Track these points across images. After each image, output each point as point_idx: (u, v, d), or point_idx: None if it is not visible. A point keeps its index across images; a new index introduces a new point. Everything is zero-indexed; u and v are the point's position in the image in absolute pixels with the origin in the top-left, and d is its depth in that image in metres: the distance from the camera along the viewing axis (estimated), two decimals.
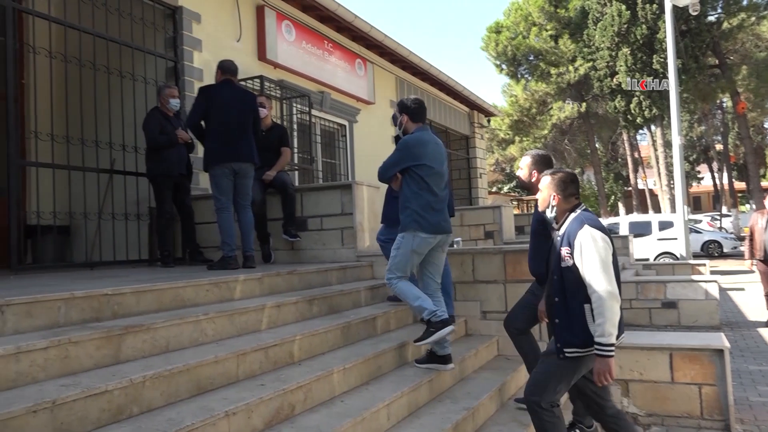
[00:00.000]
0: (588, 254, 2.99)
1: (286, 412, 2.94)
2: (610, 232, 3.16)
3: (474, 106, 15.42)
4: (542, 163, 3.85)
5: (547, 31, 28.02)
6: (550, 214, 3.28)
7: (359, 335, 4.20)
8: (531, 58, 29.08)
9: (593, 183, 38.07)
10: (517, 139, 31.53)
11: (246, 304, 3.81)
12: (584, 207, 3.25)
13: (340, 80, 9.66)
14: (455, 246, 6.25)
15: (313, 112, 8.84)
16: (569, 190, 3.23)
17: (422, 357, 4.02)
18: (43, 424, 2.17)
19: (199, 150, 6.10)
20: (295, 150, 8.19)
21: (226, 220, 5.12)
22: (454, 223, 8.41)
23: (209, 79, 6.91)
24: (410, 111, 4.12)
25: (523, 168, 3.95)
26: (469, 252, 5.37)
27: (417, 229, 3.85)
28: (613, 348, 2.95)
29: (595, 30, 25.43)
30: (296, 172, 8.36)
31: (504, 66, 29.61)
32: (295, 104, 8.52)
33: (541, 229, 3.80)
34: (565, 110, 29.76)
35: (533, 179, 3.83)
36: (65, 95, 5.57)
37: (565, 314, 3.12)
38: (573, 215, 3.18)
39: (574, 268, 3.06)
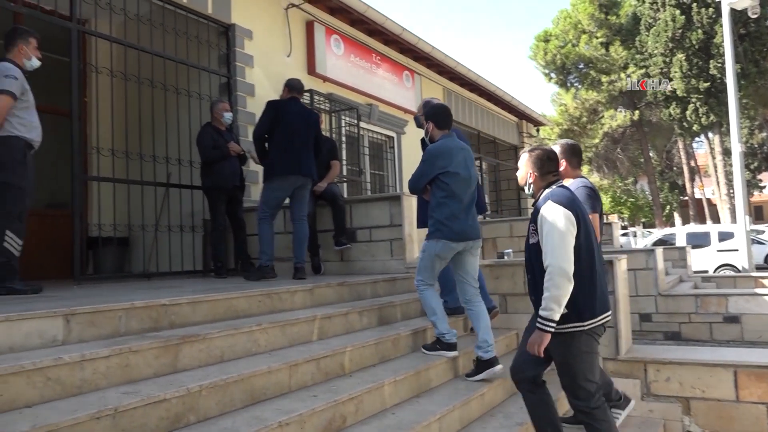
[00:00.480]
0: (546, 228, 2.95)
1: (338, 424, 2.95)
2: (579, 210, 3.04)
3: (522, 115, 15.26)
4: (571, 153, 3.90)
5: (597, 38, 27.54)
6: (527, 191, 3.27)
7: (409, 347, 4.18)
8: (581, 66, 28.59)
9: (647, 193, 37.01)
10: None
11: (297, 315, 3.85)
12: (560, 183, 3.19)
13: (387, 92, 9.73)
14: (506, 257, 6.17)
15: (362, 124, 8.92)
16: (546, 167, 3.19)
17: (471, 371, 3.99)
18: (106, 431, 2.24)
19: (251, 163, 6.24)
20: (344, 162, 8.27)
21: (266, 231, 5.25)
22: (504, 233, 8.36)
23: (261, 93, 7.08)
24: (436, 119, 4.18)
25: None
26: (520, 263, 5.27)
27: (440, 237, 3.92)
28: (552, 324, 2.91)
29: (647, 36, 24.83)
30: (345, 184, 8.44)
31: (553, 75, 29.22)
32: (343, 117, 8.62)
33: None
34: (617, 118, 29.07)
35: (561, 169, 3.81)
36: (125, 112, 5.79)
37: (535, 292, 3.09)
38: (546, 191, 3.13)
39: (539, 245, 3.02)
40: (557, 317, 2.91)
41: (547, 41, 28.76)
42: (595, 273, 3.02)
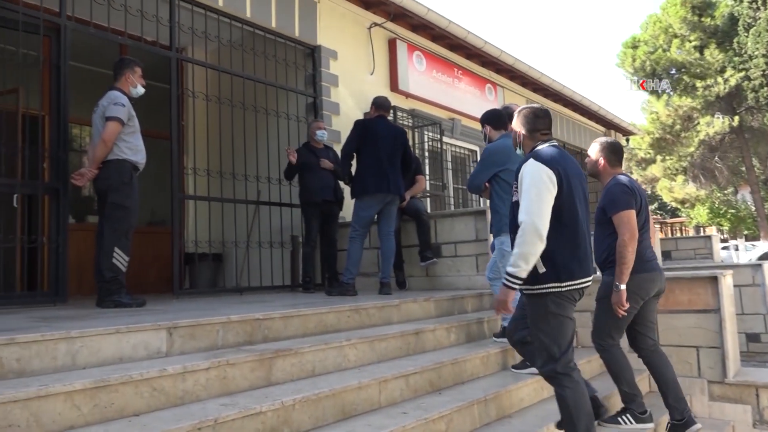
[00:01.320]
0: (525, 186, 2.88)
1: None
2: (563, 169, 2.91)
3: (610, 125, 14.72)
4: (611, 151, 3.84)
5: (690, 42, 26.19)
6: (518, 150, 3.21)
7: (499, 365, 4.10)
8: (672, 71, 27.25)
9: (749, 203, 34.59)
10: (659, 158, 29.55)
11: (385, 330, 3.86)
12: (551, 143, 3.06)
13: (470, 106, 9.67)
14: (598, 273, 5.93)
15: (444, 138, 8.91)
16: (533, 125, 3.11)
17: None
18: None
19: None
20: (427, 177, 8.27)
21: (357, 250, 5.33)
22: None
23: (345, 112, 7.22)
24: (491, 121, 4.30)
25: (592, 155, 3.92)
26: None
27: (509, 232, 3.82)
28: (518, 282, 2.84)
29: (747, 37, 23.36)
30: (428, 199, 8.43)
31: None
32: (426, 132, 8.64)
33: (602, 218, 3.72)
34: (714, 125, 27.42)
35: (600, 166, 3.85)
36: (218, 134, 6.07)
37: None
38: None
39: (518, 204, 2.94)
40: (524, 275, 2.83)
41: (635, 47, 27.67)
42: (578, 236, 2.92)
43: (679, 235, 30.75)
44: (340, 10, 7.47)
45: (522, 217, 2.83)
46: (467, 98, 9.68)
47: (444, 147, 8.85)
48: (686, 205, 34.07)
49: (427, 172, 8.46)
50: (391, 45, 8.24)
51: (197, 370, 2.66)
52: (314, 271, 6.24)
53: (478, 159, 4.33)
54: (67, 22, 4.86)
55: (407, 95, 8.36)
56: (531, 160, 2.93)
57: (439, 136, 8.53)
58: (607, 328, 3.73)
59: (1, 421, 2.06)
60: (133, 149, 4.29)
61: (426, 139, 8.63)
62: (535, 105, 3.31)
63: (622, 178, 3.78)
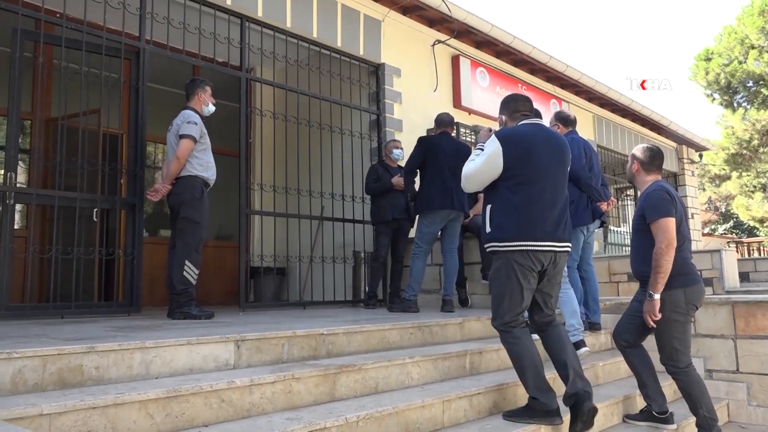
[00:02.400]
0: (483, 151, 3.22)
1: None
2: (518, 145, 3.15)
3: (682, 140, 14.15)
4: (646, 156, 3.75)
5: None
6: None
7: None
8: (749, 84, 26.01)
9: None
10: (734, 174, 28.16)
11: (448, 348, 3.82)
12: (526, 122, 3.27)
13: None
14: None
15: None
16: (513, 107, 3.38)
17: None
18: None
19: None
20: None
21: (419, 267, 5.33)
22: None
23: (408, 129, 7.25)
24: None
25: (630, 162, 3.89)
26: None
27: None
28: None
29: None
30: None
31: (716, 95, 26.86)
32: None
33: (641, 226, 3.60)
34: None
35: (634, 170, 3.80)
36: (284, 151, 6.22)
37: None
38: None
39: None
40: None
41: (708, 60, 26.60)
42: (531, 204, 3.09)
43: (757, 255, 29.11)
44: (404, 28, 7.55)
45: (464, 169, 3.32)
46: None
47: None
48: (765, 224, 32.26)
49: None
50: (455, 61, 8.23)
51: (263, 384, 2.71)
52: (377, 287, 6.25)
53: None
54: (146, 46, 5.12)
55: (470, 111, 8.32)
56: (492, 136, 3.27)
57: None
58: (673, 343, 3.56)
59: (81, 426, 2.15)
60: (205, 166, 4.45)
61: None
62: (519, 93, 3.65)
63: (662, 183, 3.67)
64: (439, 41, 7.94)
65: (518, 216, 3.09)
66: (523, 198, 3.10)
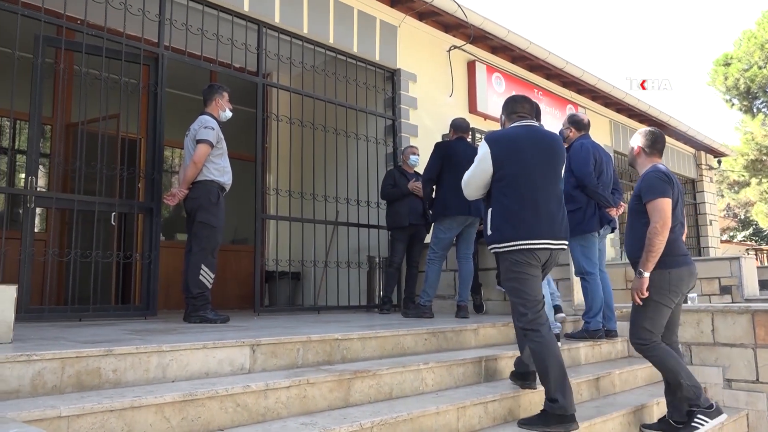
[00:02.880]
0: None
1: None
2: (505, 147, 3.29)
3: (700, 146, 14.01)
4: (649, 139, 3.73)
5: None
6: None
7: (581, 396, 3.92)
8: None
9: None
10: (754, 181, 27.79)
11: (463, 355, 3.80)
12: (520, 123, 3.39)
13: (550, 127, 9.44)
14: (689, 302, 5.62)
15: None
16: (511, 109, 3.51)
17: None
18: None
19: None
20: None
21: (435, 272, 5.32)
22: None
23: (423, 134, 7.26)
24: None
25: (631, 143, 3.87)
26: (707, 310, 4.78)
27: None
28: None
29: None
30: None
31: (735, 101, 26.56)
32: None
33: (637, 206, 3.57)
34: None
35: (635, 153, 3.78)
36: (300, 155, 6.25)
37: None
38: None
39: None
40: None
41: (727, 65, 26.30)
42: (522, 204, 3.18)
43: None
44: (419, 33, 7.56)
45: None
46: (547, 119, 9.48)
47: None
48: None
49: None
50: (470, 67, 8.23)
51: (279, 388, 2.71)
52: (392, 292, 6.25)
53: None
54: (165, 52, 5.18)
55: (486, 117, 8.30)
56: (483, 140, 3.40)
57: None
58: (643, 322, 3.52)
59: (99, 429, 2.17)
60: (221, 170, 4.49)
61: None
62: (518, 95, 3.75)
63: (661, 166, 3.65)
64: (455, 47, 7.94)
65: (512, 217, 3.20)
66: (515, 199, 3.21)
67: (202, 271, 4.31)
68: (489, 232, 3.29)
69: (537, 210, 3.19)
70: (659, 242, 3.40)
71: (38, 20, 4.56)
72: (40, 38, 4.55)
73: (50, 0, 4.72)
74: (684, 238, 3.71)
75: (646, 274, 3.44)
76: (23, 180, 4.79)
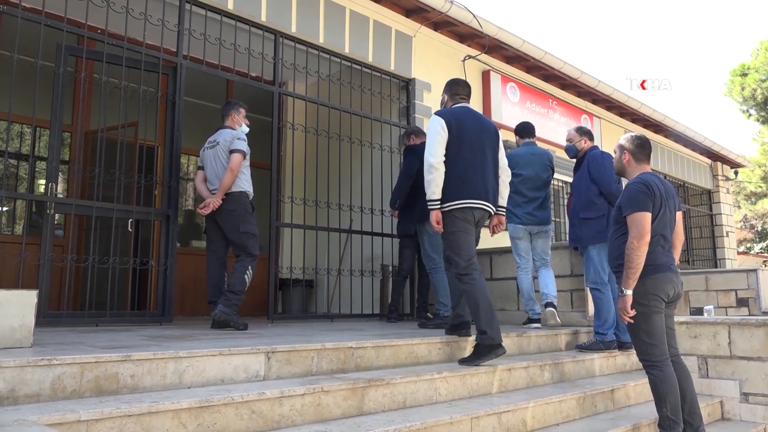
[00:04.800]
0: (428, 134, 3.95)
1: None
2: (455, 121, 3.91)
3: (717, 156, 13.89)
4: (635, 145, 3.65)
5: None
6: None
7: (595, 408, 3.91)
8: None
9: None
10: None
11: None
12: (461, 104, 4.08)
13: (564, 137, 9.45)
14: (705, 314, 5.57)
15: None
16: (454, 90, 4.19)
17: None
18: None
19: None
20: None
21: (441, 280, 5.31)
22: (699, 286, 7.57)
23: None
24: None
25: (616, 151, 3.80)
26: (724, 322, 4.73)
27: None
28: (433, 203, 3.84)
29: None
30: None
31: (752, 111, 26.33)
32: None
33: (617, 217, 3.52)
34: None
35: (624, 161, 3.66)
36: (315, 164, 6.29)
37: None
38: None
39: None
40: (435, 197, 3.84)
41: (744, 75, 26.10)
42: (462, 168, 3.84)
43: None
44: (434, 43, 7.59)
45: (424, 156, 3.89)
46: (562, 129, 9.46)
47: None
48: None
49: None
50: (485, 77, 8.25)
51: (293, 396, 2.73)
52: (401, 301, 6.25)
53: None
54: (183, 61, 5.25)
55: (500, 126, 8.25)
56: (433, 115, 3.99)
57: None
58: (640, 335, 3.42)
59: None
60: (249, 181, 4.71)
61: None
62: (458, 78, 4.44)
63: (645, 176, 3.51)
64: (470, 56, 7.97)
65: (457, 181, 3.82)
66: (457, 165, 3.85)
67: (248, 272, 4.48)
68: (435, 194, 3.84)
69: (472, 175, 3.85)
70: (637, 257, 3.29)
71: (60, 30, 4.65)
72: (62, 47, 4.64)
73: (72, 10, 4.81)
74: (677, 252, 3.60)
75: (628, 292, 3.32)
76: (42, 186, 4.86)
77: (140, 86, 4.92)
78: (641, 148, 3.64)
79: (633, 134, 3.76)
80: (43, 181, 5.67)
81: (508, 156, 4.42)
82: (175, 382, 2.69)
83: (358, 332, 4.44)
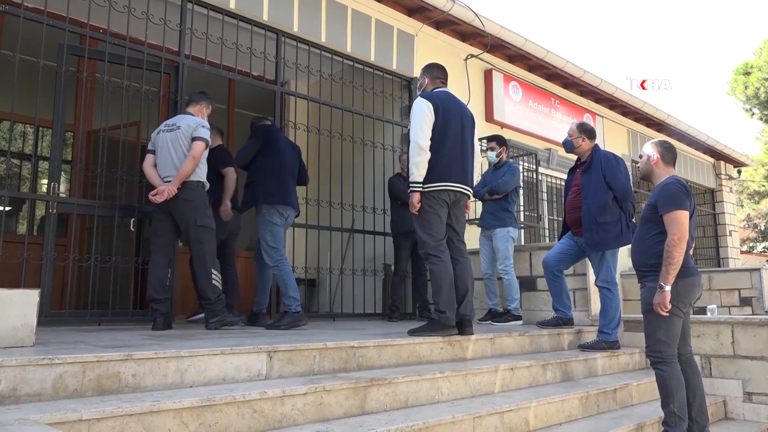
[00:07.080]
0: (413, 115, 3.96)
1: None
2: (440, 103, 3.98)
3: (720, 155, 13.85)
4: (665, 148, 3.68)
5: None
6: (418, 92, 4.18)
7: (598, 407, 3.90)
8: None
9: None
10: None
11: (479, 364, 3.79)
12: (443, 89, 4.16)
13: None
14: (709, 314, 5.55)
15: (540, 169, 8.73)
16: (434, 74, 4.26)
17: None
18: None
19: None
20: (521, 208, 8.12)
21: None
22: (702, 286, 7.53)
23: None
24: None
25: (646, 152, 3.77)
26: (727, 321, 4.72)
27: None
28: (416, 185, 3.92)
29: None
30: (522, 230, 8.26)
31: (756, 110, 26.24)
32: (522, 162, 8.49)
33: (650, 216, 3.51)
34: None
35: (653, 163, 3.66)
36: (317, 163, 6.29)
37: None
38: None
39: None
40: (419, 179, 3.90)
41: (747, 74, 26.01)
42: (445, 151, 3.94)
43: None
44: (437, 42, 7.58)
45: (410, 137, 3.93)
46: (564, 128, 9.44)
47: (540, 178, 8.67)
48: None
49: (522, 203, 8.31)
50: (487, 76, 8.24)
51: (295, 395, 2.72)
52: (401, 300, 6.25)
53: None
54: (185, 60, 5.25)
55: (503, 125, 8.30)
56: (418, 98, 4.02)
57: (534, 167, 8.38)
58: (658, 334, 3.45)
59: None
60: (205, 173, 4.41)
61: (521, 170, 8.47)
62: (436, 62, 4.42)
63: (678, 178, 3.58)
64: (472, 55, 7.96)
65: (437, 164, 3.91)
66: (443, 150, 3.93)
67: (213, 275, 4.30)
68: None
69: (452, 159, 3.95)
70: (678, 254, 3.34)
71: (63, 29, 4.65)
72: (65, 47, 4.64)
73: (74, 10, 4.81)
74: (691, 252, 3.65)
75: (667, 288, 3.37)
76: (44, 186, 4.86)
77: (142, 86, 4.93)
78: (669, 151, 3.69)
79: (659, 140, 3.82)
80: (45, 181, 5.67)
81: None
82: (176, 382, 2.69)
83: (360, 331, 4.44)
